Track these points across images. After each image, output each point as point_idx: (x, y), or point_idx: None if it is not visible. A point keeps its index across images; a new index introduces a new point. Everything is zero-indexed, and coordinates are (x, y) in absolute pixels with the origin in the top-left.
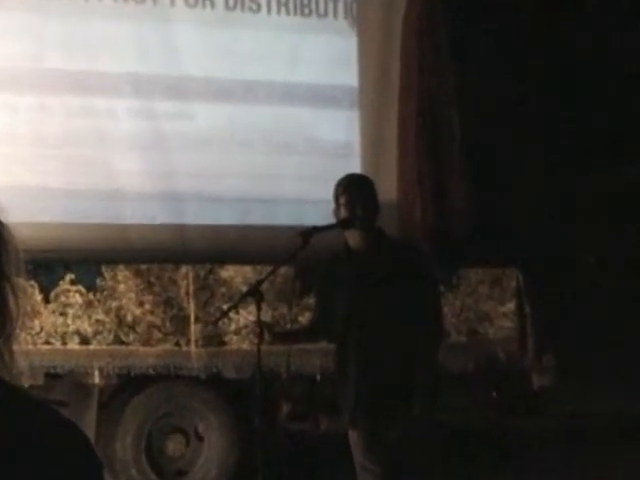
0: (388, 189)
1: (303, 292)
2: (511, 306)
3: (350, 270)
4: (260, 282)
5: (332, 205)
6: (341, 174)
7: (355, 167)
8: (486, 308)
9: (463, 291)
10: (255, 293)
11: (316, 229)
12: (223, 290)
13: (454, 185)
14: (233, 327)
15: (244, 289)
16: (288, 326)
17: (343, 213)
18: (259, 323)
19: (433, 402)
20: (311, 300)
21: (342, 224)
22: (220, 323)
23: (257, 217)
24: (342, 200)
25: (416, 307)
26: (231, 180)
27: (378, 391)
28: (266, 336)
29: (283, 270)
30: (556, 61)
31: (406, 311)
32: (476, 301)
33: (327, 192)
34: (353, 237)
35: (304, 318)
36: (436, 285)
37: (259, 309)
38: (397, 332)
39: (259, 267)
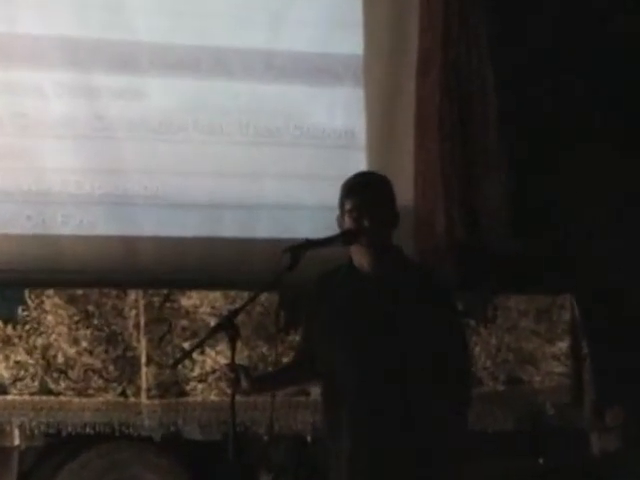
0: (402, 190)
1: (290, 326)
2: (563, 345)
3: (353, 300)
4: (234, 313)
5: (332, 212)
6: (340, 171)
7: (358, 161)
8: (531, 348)
9: (501, 325)
10: (227, 327)
11: (310, 244)
12: (184, 323)
13: (490, 185)
14: (197, 372)
15: (212, 322)
16: (270, 370)
17: (348, 223)
18: (233, 366)
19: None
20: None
21: (345, 238)
22: (180, 367)
23: (230, 227)
24: (348, 206)
25: (439, 353)
26: (196, 179)
27: (380, 463)
28: (242, 384)
29: (264, 297)
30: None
31: (424, 357)
32: (518, 338)
33: (322, 195)
34: (360, 256)
35: (290, 358)
36: (461, 327)
37: (233, 348)
38: (411, 385)
39: (233, 293)
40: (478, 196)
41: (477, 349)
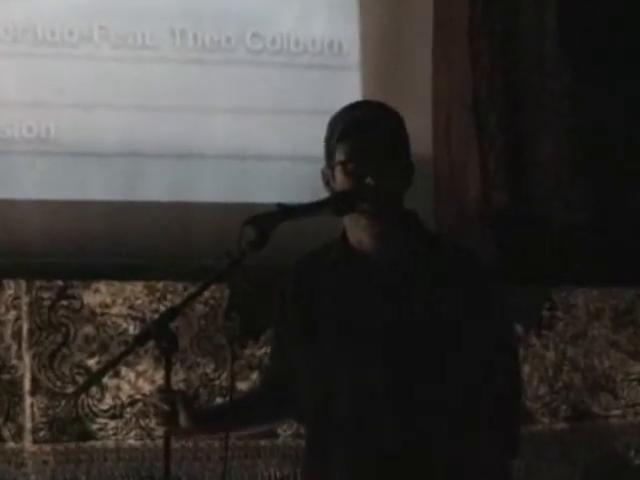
0: (414, 133)
1: (250, 335)
2: None
3: (350, 296)
4: (169, 315)
5: (313, 165)
6: (323, 102)
7: (350, 88)
8: (606, 366)
9: (562, 333)
10: (158, 336)
11: (283, 213)
12: (89, 330)
13: (547, 126)
14: (109, 403)
15: (132, 328)
16: (219, 401)
17: (341, 182)
18: (167, 394)
19: None
20: (268, 348)
21: (336, 204)
22: (84, 396)
23: (157, 187)
24: (340, 155)
25: (475, 374)
26: (105, 115)
27: None
28: (181, 420)
29: (210, 292)
30: None
31: (453, 381)
32: (587, 352)
33: (297, 139)
34: (359, 230)
35: (249, 382)
36: (511, 336)
37: (167, 368)
38: (432, 419)
39: (161, 285)
40: (530, 142)
41: (526, 368)
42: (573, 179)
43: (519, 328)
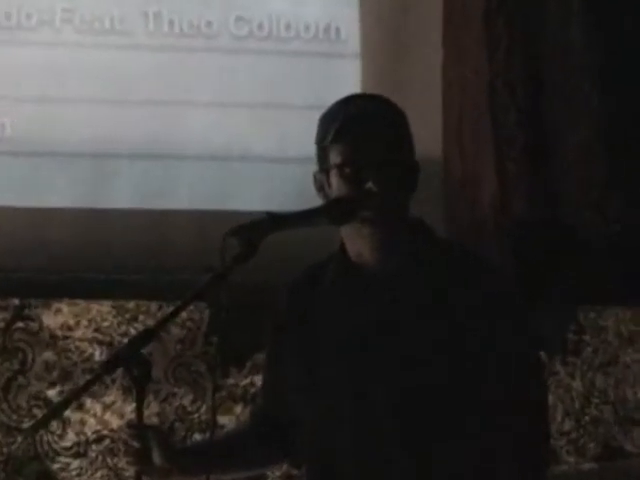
0: (422, 130)
1: (235, 361)
2: None
3: (351, 317)
4: (142, 338)
5: (305, 167)
6: (317, 95)
7: (348, 78)
8: None
9: (590, 360)
10: (130, 363)
11: (273, 222)
12: (49, 356)
13: (575, 121)
14: (72, 440)
15: (99, 353)
16: (198, 437)
17: (338, 187)
18: (140, 430)
19: None
20: (256, 377)
21: (333, 213)
22: (43, 432)
23: (129, 192)
24: (337, 157)
25: (495, 406)
26: (72, 110)
27: None
28: (155, 459)
29: (190, 314)
30: None
31: (470, 415)
32: (619, 382)
33: (286, 137)
34: (359, 242)
35: (233, 416)
36: (536, 363)
37: (140, 399)
38: (443, 460)
39: (133, 304)
40: (554, 142)
41: (550, 399)
42: (604, 184)
43: (543, 352)
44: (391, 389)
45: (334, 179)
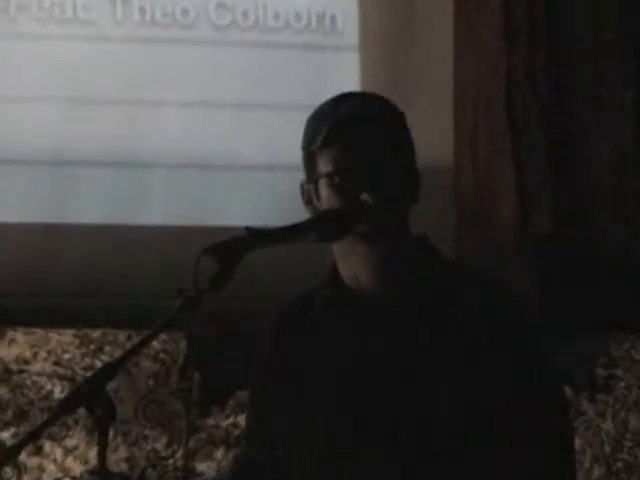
0: (429, 132)
1: (215, 398)
2: None
3: (347, 351)
4: (107, 373)
5: (292, 175)
6: (309, 94)
7: (345, 73)
8: None
9: (623, 398)
10: (93, 401)
11: (253, 239)
12: (2, 393)
13: (604, 126)
14: None
15: (59, 389)
16: None
17: (328, 198)
18: (103, 476)
19: None
20: (240, 417)
21: (323, 228)
22: None
23: (97, 204)
24: (327, 165)
25: (511, 452)
26: (41, 111)
27: None
28: None
29: (164, 344)
30: None
31: (481, 462)
32: None
33: (272, 141)
34: (355, 263)
35: (212, 462)
36: (560, 402)
37: (103, 443)
38: None
39: (97, 333)
40: (581, 148)
41: (575, 443)
42: (638, 195)
43: (567, 390)
44: (395, 424)
45: (324, 189)
